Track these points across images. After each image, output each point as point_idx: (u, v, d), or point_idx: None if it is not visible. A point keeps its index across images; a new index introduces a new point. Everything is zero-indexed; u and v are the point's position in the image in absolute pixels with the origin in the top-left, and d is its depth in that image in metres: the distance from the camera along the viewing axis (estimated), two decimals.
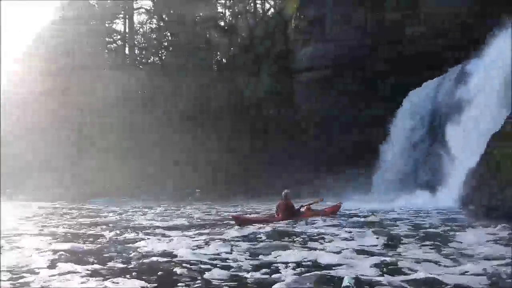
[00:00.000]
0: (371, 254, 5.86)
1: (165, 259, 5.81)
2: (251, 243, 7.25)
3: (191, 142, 32.56)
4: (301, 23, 33.27)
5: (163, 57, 45.09)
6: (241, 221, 10.65)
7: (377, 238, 7.44)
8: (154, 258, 5.87)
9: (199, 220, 12.74)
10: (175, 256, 6.07)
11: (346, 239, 7.46)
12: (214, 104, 35.80)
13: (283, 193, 11.62)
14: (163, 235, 8.71)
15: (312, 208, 12.32)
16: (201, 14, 43.79)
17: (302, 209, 11.89)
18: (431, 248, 6.23)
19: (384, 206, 17.81)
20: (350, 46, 30.30)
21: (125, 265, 5.47)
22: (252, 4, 45.43)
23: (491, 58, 20.02)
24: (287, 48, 34.61)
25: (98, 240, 8.07)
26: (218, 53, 46.01)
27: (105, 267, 5.31)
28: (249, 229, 9.33)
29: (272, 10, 44.88)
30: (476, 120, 19.04)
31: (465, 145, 19.10)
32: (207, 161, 30.77)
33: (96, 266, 5.34)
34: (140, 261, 5.74)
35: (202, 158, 31.10)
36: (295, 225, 10.26)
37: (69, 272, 4.98)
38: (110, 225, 11.26)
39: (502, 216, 10.45)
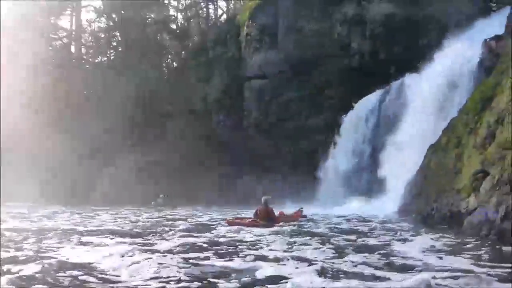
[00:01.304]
0: (311, 264, 5.79)
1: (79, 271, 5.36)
2: (187, 253, 6.88)
3: (141, 147, 31.81)
4: (252, 31, 33.66)
5: (112, 57, 43.90)
6: (233, 224, 11.51)
7: (316, 248, 7.35)
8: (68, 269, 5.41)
9: (142, 226, 12.48)
10: (94, 267, 5.60)
11: (287, 250, 7.23)
12: (163, 108, 35.29)
13: (263, 199, 12.41)
14: (90, 243, 8.25)
15: (285, 214, 13.36)
16: (152, 15, 43.19)
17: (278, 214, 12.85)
18: (368, 258, 6.23)
19: (327, 212, 18.35)
20: (300, 55, 31.10)
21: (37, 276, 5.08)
22: (204, 9, 45.45)
23: (429, 74, 21.28)
24: (239, 54, 34.84)
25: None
26: (169, 56, 45.56)
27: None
28: (188, 239, 8.75)
29: (224, 16, 45.12)
30: (415, 131, 20.07)
31: (405, 155, 20.09)
32: (159, 167, 30.06)
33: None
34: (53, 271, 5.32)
35: (154, 164, 30.38)
36: (265, 229, 10.68)
37: None
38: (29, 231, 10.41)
39: (437, 223, 11.18)
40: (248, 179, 29.87)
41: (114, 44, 44.29)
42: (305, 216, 14.48)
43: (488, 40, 19.68)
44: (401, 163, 20.11)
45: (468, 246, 7.30)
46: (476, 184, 9.43)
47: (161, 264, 5.76)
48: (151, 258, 6.21)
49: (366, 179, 24.55)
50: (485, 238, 8.10)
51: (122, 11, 40.66)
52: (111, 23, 43.09)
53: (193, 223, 13.75)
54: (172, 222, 13.93)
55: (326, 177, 26.83)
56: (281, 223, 12.05)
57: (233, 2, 46.27)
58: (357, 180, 25.19)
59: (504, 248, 6.66)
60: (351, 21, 29.84)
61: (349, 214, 17.09)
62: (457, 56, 20.24)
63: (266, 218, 12.00)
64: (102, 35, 44.02)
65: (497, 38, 19.48)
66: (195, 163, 30.55)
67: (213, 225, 12.75)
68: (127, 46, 40.41)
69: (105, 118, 32.46)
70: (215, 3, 45.97)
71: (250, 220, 12.34)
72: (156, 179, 29.23)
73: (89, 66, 42.63)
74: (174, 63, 45.23)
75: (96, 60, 44.12)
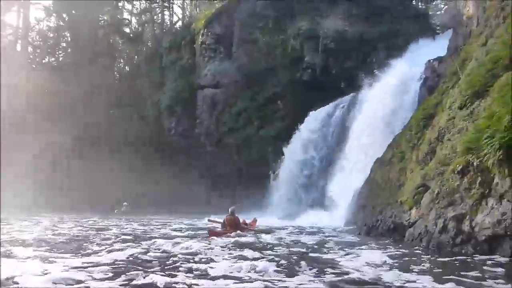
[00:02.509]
0: (256, 280, 5.57)
1: None
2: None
3: (88, 152, 30.71)
4: (208, 40, 33.72)
5: (60, 59, 42.32)
6: (213, 234, 11.93)
7: (264, 262, 6.99)
8: None
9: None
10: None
11: (233, 265, 6.76)
12: (112, 112, 34.34)
13: (230, 209, 13.22)
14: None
15: (246, 223, 14.23)
16: (105, 18, 42.21)
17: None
18: (317, 274, 6.05)
19: (278, 223, 18.51)
20: (253, 66, 31.54)
21: None
22: (160, 15, 44.97)
23: (377, 91, 22.13)
24: (194, 62, 34.73)
25: None
26: (121, 60, 44.60)
27: None
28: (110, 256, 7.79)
29: (180, 23, 44.87)
30: (363, 145, 20.75)
31: (354, 167, 20.72)
32: (106, 173, 29.05)
33: None
34: None
35: (101, 169, 29.33)
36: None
37: None
38: None
39: (381, 234, 11.59)
40: (200, 187, 29.70)
41: (64, 44, 42.80)
42: (264, 232, 14.68)
43: (431, 61, 20.86)
44: (350, 176, 20.71)
45: (411, 258, 7.49)
46: (417, 197, 9.90)
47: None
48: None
49: (316, 191, 25.02)
50: (425, 249, 8.48)
51: (73, 11, 39.45)
52: (61, 23, 41.66)
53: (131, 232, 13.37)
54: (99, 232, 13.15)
55: (277, 187, 27.10)
56: (247, 230, 13.12)
57: (189, 9, 46.13)
58: (307, 192, 25.60)
59: (440, 259, 6.95)
60: (305, 35, 30.63)
61: (299, 225, 17.31)
62: (403, 75, 21.23)
63: (234, 226, 12.85)
64: (51, 35, 42.41)
65: (440, 59, 20.70)
66: (144, 170, 29.89)
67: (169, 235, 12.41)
68: (77, 48, 39.12)
69: (49, 120, 31.10)
70: (170, 9, 45.68)
71: (223, 229, 12.82)
72: (104, 185, 28.31)
73: (35, 66, 40.85)
74: (126, 67, 44.33)
75: (44, 60, 42.35)
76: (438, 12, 46.64)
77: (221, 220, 13.47)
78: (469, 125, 9.02)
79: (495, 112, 7.48)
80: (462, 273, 5.75)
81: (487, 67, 9.59)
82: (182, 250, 8.54)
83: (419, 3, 42.89)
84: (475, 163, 7.66)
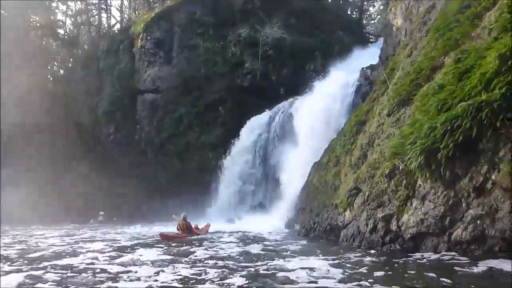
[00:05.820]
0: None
1: None
2: None
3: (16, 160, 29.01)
4: (147, 44, 33.24)
5: None
6: (166, 238, 12.59)
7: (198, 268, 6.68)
8: None
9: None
10: None
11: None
12: (45, 119, 32.66)
13: (182, 215, 14.35)
14: None
15: (198, 227, 15.07)
16: (37, 19, 40.29)
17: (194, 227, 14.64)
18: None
19: (220, 228, 18.57)
20: (193, 72, 31.50)
21: None
22: (96, 17, 43.68)
23: (315, 97, 22.94)
24: (133, 66, 34.02)
25: None
26: (56, 63, 42.75)
27: None
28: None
29: (118, 25, 43.80)
30: (302, 150, 21.41)
31: (293, 171, 21.29)
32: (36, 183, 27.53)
33: None
34: None
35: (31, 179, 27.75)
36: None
37: None
38: None
39: (318, 236, 12.05)
40: (141, 194, 29.08)
41: None
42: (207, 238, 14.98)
43: (364, 68, 21.97)
44: (290, 179, 21.26)
45: (345, 260, 7.84)
46: (350, 200, 10.41)
47: None
48: None
49: (258, 195, 25.45)
50: (357, 249, 8.94)
51: (2, 11, 37.27)
52: None
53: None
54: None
55: (219, 193, 27.23)
56: (198, 234, 14.16)
57: (127, 12, 45.18)
58: (249, 196, 25.97)
59: (367, 259, 7.33)
60: (245, 42, 31.10)
61: (241, 229, 17.45)
62: (339, 82, 22.18)
63: (186, 230, 13.74)
64: None
65: (372, 67, 21.85)
66: (79, 179, 28.75)
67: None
68: (6, 50, 36.94)
69: None
70: (108, 11, 44.48)
71: (176, 233, 13.65)
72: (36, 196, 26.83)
73: None
74: (61, 71, 42.55)
75: None
76: (372, 22, 49.24)
77: (170, 233, 13.85)
78: (396, 131, 9.66)
79: (417, 120, 8.10)
80: (388, 272, 6.10)
81: (411, 77, 10.33)
82: (111, 264, 7.55)
83: (354, 13, 44.91)
84: (400, 167, 8.24)
